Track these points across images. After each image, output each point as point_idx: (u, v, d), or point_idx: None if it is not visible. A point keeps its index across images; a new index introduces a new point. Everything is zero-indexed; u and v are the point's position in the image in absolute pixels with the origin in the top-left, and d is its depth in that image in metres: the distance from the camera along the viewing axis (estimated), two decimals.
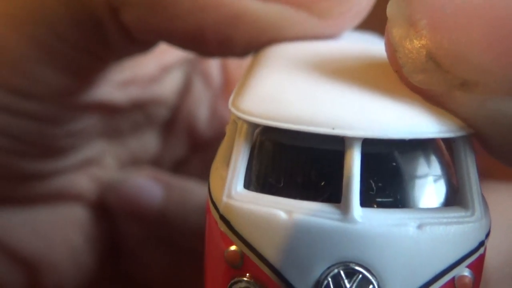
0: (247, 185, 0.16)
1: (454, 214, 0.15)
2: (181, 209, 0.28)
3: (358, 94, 0.15)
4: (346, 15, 0.20)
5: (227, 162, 0.16)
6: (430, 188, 0.16)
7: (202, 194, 0.29)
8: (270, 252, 0.15)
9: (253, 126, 0.15)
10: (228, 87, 0.31)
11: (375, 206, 0.15)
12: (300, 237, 0.14)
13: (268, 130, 0.16)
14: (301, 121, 0.14)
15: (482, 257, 0.15)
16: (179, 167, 0.31)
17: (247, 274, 0.15)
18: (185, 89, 0.30)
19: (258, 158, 0.16)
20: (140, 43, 0.23)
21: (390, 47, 0.15)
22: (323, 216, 0.14)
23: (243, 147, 0.15)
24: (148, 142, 0.30)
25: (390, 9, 0.15)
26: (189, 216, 0.28)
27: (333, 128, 0.14)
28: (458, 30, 0.14)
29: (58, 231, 0.28)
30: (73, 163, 0.28)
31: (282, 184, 0.16)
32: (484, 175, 0.16)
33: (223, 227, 0.15)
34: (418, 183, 0.16)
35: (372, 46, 0.19)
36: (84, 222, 0.29)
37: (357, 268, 0.14)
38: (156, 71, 0.29)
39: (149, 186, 0.29)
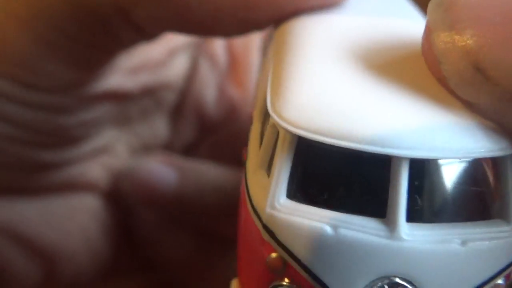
0: (289, 193, 0.15)
1: (496, 228, 0.15)
2: (196, 191, 0.28)
3: (402, 103, 0.14)
4: None
5: (265, 167, 0.16)
6: (471, 200, 0.15)
7: (216, 175, 0.29)
8: (314, 263, 0.14)
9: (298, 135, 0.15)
10: (234, 67, 0.31)
11: (418, 219, 0.14)
12: (345, 252, 0.14)
13: None
14: (352, 138, 0.14)
15: None
16: (190, 151, 0.31)
17: (288, 279, 0.15)
18: (192, 72, 0.30)
19: (300, 164, 0.15)
20: (150, 35, 0.23)
21: (433, 58, 0.14)
22: (369, 232, 0.14)
23: (286, 157, 0.15)
24: (158, 127, 0.30)
25: (432, 16, 0.14)
26: (205, 198, 0.28)
27: (383, 147, 0.14)
28: (507, 41, 0.13)
29: (72, 220, 0.28)
30: (86, 152, 0.28)
31: (325, 194, 0.15)
32: None
33: (266, 236, 0.15)
34: (461, 194, 0.15)
35: (403, 23, 0.18)
36: (98, 211, 0.29)
37: (401, 282, 0.14)
38: (163, 55, 0.29)
39: (163, 170, 0.29)
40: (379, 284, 0.14)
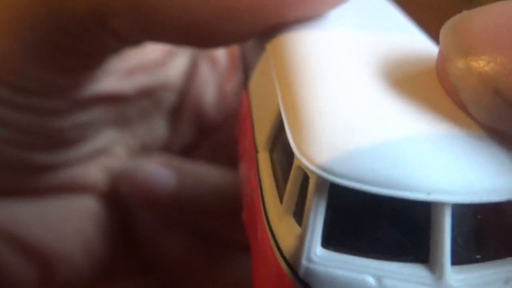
0: (324, 242, 0.14)
1: None
2: (195, 192, 0.28)
3: (438, 140, 0.13)
4: None
5: (292, 211, 0.15)
6: (506, 235, 0.15)
7: (215, 176, 0.29)
8: None
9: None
10: (234, 68, 0.30)
11: (460, 261, 0.14)
12: None
13: None
14: (395, 185, 0.13)
15: None
16: (189, 151, 0.31)
17: None
18: (191, 72, 0.30)
19: (333, 209, 0.14)
20: (133, 42, 0.23)
21: (449, 85, 0.14)
22: (415, 281, 0.13)
23: (320, 205, 0.14)
24: (157, 128, 0.30)
25: (445, 43, 0.14)
26: (203, 199, 0.28)
27: (429, 194, 0.13)
28: None
29: (70, 222, 0.28)
30: (84, 154, 0.27)
31: (362, 240, 0.14)
32: None
33: None
34: (496, 229, 0.15)
35: (400, 35, 0.18)
36: (96, 212, 0.28)
37: None
38: (161, 55, 0.28)
39: (161, 172, 0.28)
40: None
